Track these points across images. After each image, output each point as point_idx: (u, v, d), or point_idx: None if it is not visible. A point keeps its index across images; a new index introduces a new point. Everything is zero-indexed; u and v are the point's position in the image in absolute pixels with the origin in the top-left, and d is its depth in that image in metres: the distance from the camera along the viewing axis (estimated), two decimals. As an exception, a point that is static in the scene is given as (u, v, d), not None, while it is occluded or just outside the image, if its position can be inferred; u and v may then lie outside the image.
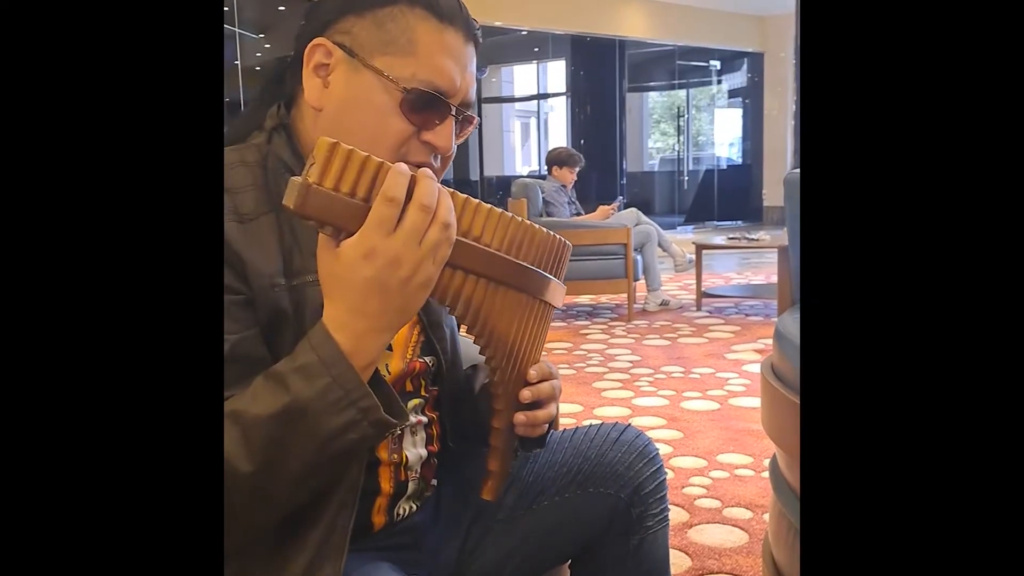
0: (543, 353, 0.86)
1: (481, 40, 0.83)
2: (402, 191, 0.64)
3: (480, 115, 9.40)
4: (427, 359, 0.88)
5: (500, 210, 0.75)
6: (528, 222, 0.78)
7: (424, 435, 0.88)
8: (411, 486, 0.86)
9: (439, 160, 0.80)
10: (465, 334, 0.85)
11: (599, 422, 1.03)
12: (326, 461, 0.68)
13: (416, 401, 0.87)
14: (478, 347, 0.78)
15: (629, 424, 1.03)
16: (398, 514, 0.86)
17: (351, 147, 0.62)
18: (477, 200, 0.73)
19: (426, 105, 0.76)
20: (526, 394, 0.82)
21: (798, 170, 1.32)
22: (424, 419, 0.88)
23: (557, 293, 0.82)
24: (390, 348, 0.83)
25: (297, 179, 0.61)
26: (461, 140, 0.84)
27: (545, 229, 0.79)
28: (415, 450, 0.86)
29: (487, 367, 0.81)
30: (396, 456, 0.84)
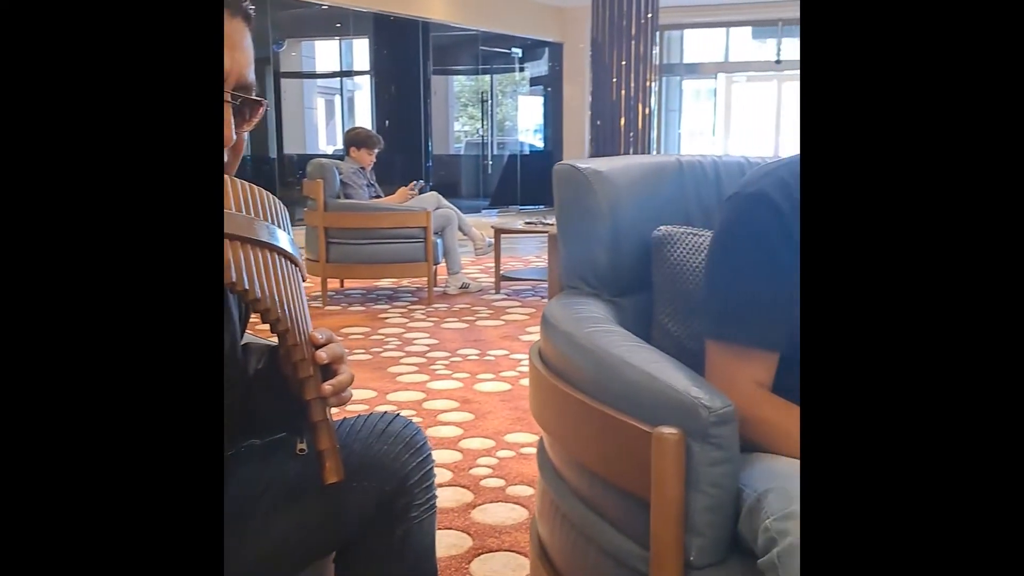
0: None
1: (252, 12, 0.79)
2: None
3: (279, 90, 8.80)
4: None
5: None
6: (244, 182, 0.79)
7: None
8: None
9: (227, 152, 0.76)
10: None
11: (368, 414, 1.02)
12: None
13: None
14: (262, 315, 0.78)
15: (397, 414, 1.03)
16: None
17: None
18: None
19: None
20: (322, 355, 0.82)
21: (567, 161, 1.37)
22: None
23: (294, 248, 0.84)
24: None
25: None
26: (250, 127, 0.81)
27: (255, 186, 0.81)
28: None
29: (277, 336, 0.80)
30: None
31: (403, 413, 2.76)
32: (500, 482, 2.03)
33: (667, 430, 0.88)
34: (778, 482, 0.86)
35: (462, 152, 11.69)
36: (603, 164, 1.34)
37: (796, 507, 0.80)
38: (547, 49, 11.06)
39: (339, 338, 0.88)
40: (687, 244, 1.27)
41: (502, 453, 2.23)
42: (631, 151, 6.66)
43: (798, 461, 0.92)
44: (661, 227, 1.28)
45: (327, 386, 0.82)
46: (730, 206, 1.06)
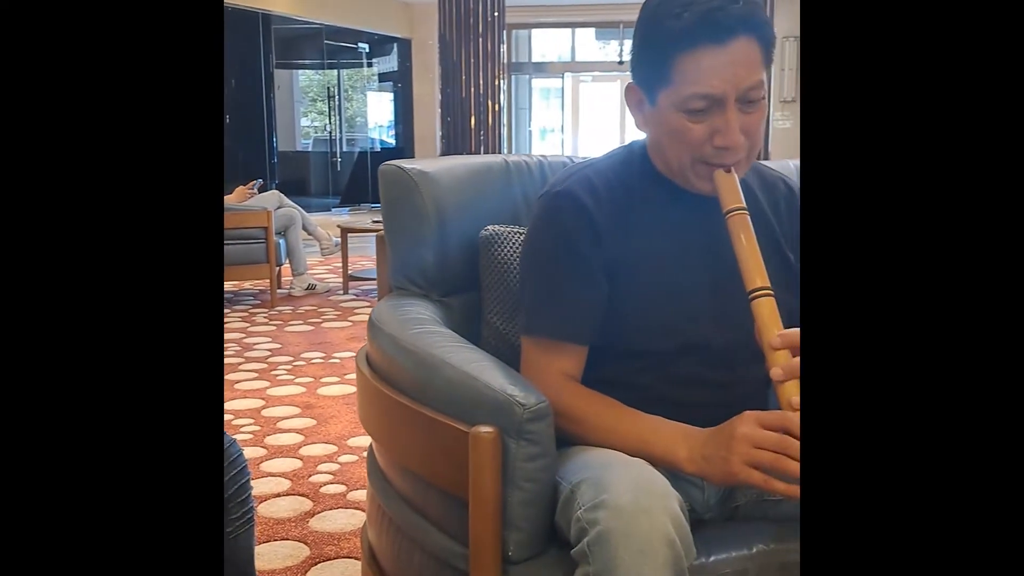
0: None
1: None
2: None
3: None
4: None
5: None
6: None
7: None
8: None
9: None
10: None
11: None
12: None
13: None
14: None
15: (210, 426, 0.98)
16: None
17: None
18: None
19: None
20: None
21: (392, 162, 1.35)
22: None
23: None
24: None
25: None
26: None
27: None
28: None
29: None
30: None
31: (240, 422, 2.64)
32: (341, 488, 1.99)
33: (483, 429, 0.89)
34: (590, 472, 0.89)
35: (310, 149, 11.37)
36: (428, 164, 1.33)
37: (606, 496, 0.83)
38: (396, 45, 10.94)
39: None
40: (514, 243, 1.29)
41: (344, 458, 2.19)
42: (482, 149, 6.71)
43: (611, 452, 0.95)
44: (488, 226, 1.29)
45: None
46: (539, 204, 1.09)
